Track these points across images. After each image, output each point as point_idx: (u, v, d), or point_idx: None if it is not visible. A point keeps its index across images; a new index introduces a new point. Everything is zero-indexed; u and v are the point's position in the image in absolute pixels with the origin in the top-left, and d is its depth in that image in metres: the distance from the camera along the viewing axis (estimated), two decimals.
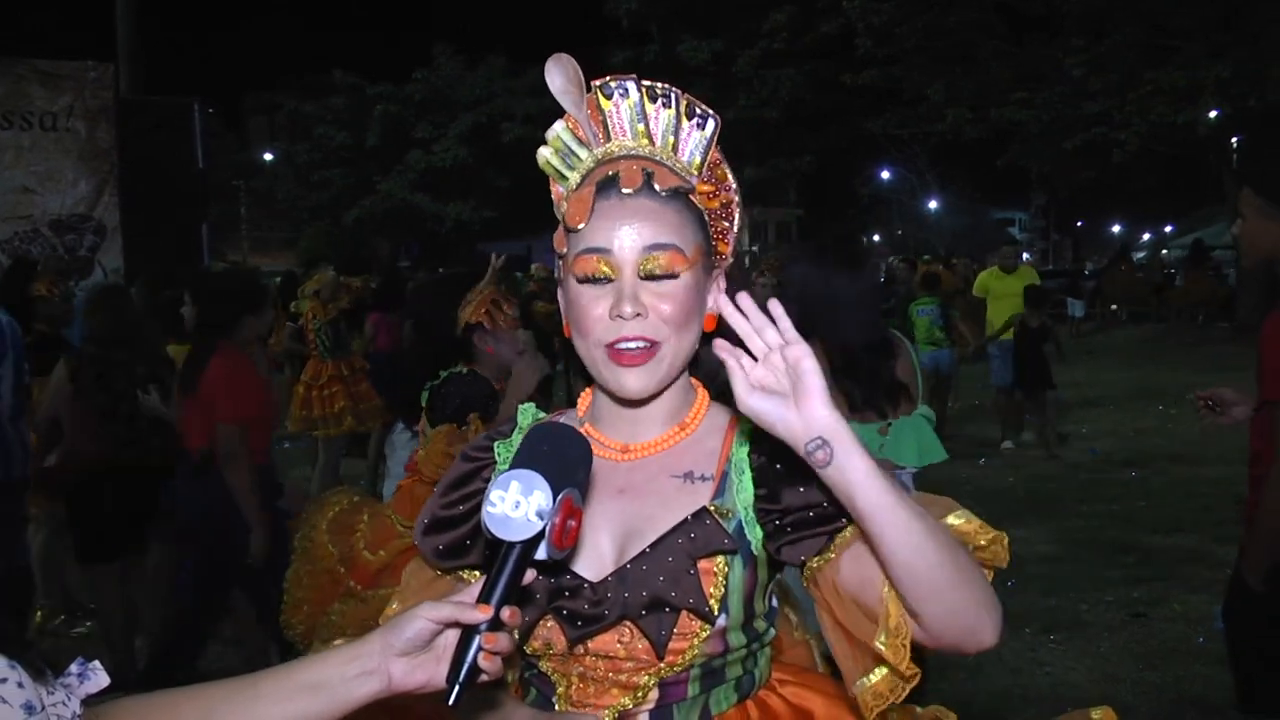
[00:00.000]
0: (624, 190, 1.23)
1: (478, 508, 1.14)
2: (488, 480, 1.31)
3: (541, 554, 1.07)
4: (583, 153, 1.29)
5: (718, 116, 1.28)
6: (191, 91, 12.54)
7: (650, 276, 1.22)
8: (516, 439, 1.36)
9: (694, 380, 1.36)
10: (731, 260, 1.35)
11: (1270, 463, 2.58)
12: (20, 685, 0.94)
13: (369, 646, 1.09)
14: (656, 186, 1.23)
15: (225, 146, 33.99)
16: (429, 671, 1.09)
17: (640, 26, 29.45)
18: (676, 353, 1.25)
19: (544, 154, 1.30)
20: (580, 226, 1.24)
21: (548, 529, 1.04)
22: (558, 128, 1.29)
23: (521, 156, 28.87)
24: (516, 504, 1.04)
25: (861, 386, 2.97)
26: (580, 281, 1.24)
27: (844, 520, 1.16)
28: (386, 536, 3.19)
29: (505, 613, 1.05)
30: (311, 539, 3.25)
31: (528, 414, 1.39)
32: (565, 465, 1.09)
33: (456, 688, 1.03)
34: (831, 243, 3.24)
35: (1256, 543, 2.65)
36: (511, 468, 1.08)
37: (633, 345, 1.22)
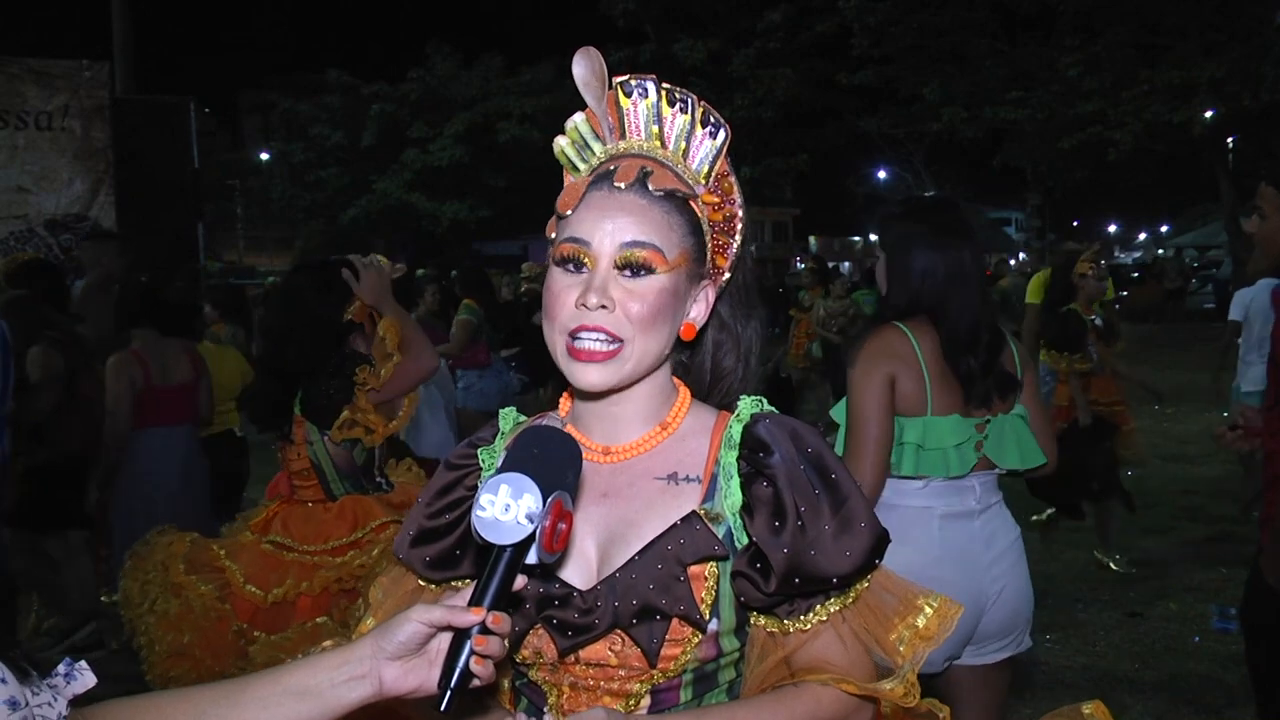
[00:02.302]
0: (616, 184, 1.22)
1: (464, 516, 1.12)
2: (472, 488, 1.30)
3: (532, 558, 1.06)
4: (598, 147, 1.29)
5: (729, 128, 1.28)
6: (186, 91, 12.50)
7: (625, 270, 1.21)
8: (500, 445, 1.35)
9: (676, 379, 1.35)
10: (729, 276, 1.32)
11: None
12: (3, 682, 0.94)
13: (359, 651, 1.08)
14: (650, 185, 1.23)
15: (219, 146, 33.99)
16: (421, 676, 1.07)
17: (636, 26, 29.42)
18: (643, 354, 1.22)
19: (560, 143, 1.30)
20: (568, 213, 1.24)
21: (538, 532, 1.04)
22: (577, 119, 1.29)
23: (518, 156, 28.88)
24: (506, 507, 1.03)
25: (976, 375, 2.52)
26: (557, 264, 1.24)
27: (795, 603, 1.21)
28: (273, 566, 2.90)
29: (490, 619, 1.03)
30: (168, 581, 2.87)
31: (509, 419, 1.38)
32: (554, 468, 1.09)
33: (449, 693, 1.01)
34: (936, 210, 2.73)
35: (1277, 543, 2.60)
36: (500, 471, 1.07)
37: (593, 336, 1.20)
